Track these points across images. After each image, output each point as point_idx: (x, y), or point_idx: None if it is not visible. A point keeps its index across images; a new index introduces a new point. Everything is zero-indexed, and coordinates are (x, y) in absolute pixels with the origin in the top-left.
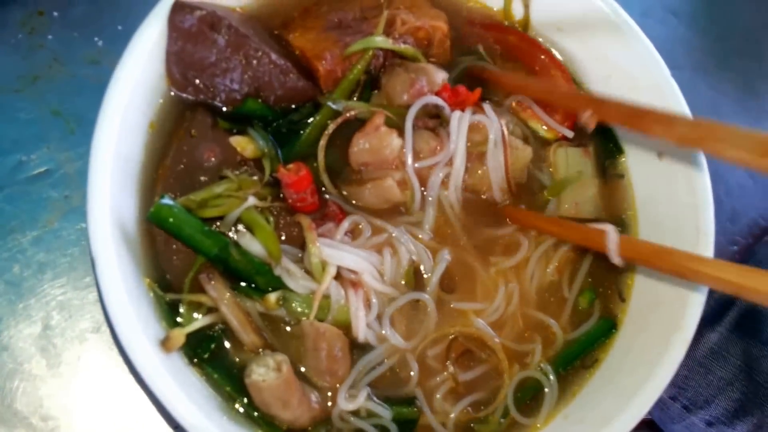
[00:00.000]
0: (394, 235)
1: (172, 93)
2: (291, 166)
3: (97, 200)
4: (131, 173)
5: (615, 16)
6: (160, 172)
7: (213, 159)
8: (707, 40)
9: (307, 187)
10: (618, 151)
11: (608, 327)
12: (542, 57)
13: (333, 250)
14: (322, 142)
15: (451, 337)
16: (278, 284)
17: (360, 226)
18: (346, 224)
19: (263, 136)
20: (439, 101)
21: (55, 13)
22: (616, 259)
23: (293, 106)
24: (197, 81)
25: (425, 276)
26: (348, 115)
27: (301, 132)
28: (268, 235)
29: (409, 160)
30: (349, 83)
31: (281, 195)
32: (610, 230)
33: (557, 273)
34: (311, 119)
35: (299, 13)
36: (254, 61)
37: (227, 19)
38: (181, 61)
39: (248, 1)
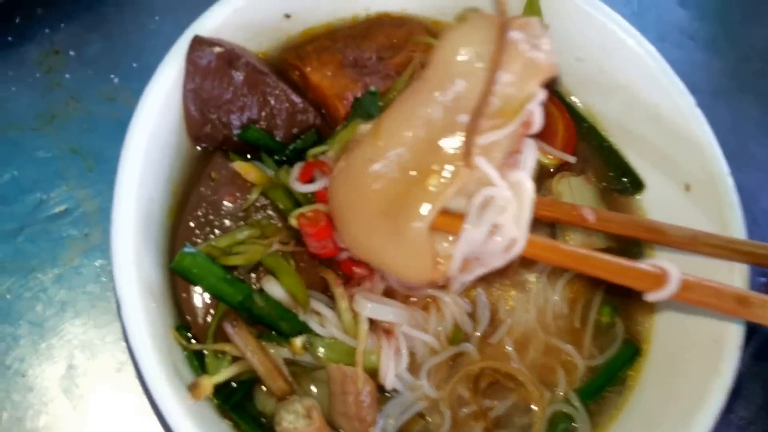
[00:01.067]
0: (438, 295)
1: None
2: (310, 213)
3: (121, 249)
4: (154, 217)
5: (636, 44)
6: (181, 217)
7: (234, 202)
8: (726, 63)
9: (328, 236)
10: (636, 187)
11: (632, 352)
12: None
13: (372, 304)
14: None
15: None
16: (303, 329)
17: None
18: (381, 285)
19: (270, 165)
20: None
21: (72, 52)
22: (656, 297)
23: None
24: (214, 117)
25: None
26: None
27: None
28: (294, 281)
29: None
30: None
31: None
32: (673, 271)
33: (572, 302)
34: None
35: (314, 47)
36: (271, 99)
37: (245, 56)
38: (198, 97)
39: (267, 42)
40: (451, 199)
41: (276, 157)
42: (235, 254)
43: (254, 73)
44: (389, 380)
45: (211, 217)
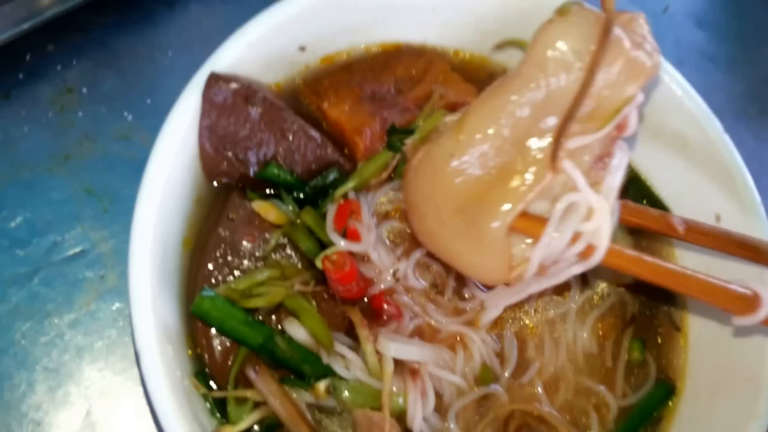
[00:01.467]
0: (466, 333)
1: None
2: (335, 257)
3: (138, 296)
4: (171, 259)
5: (663, 73)
6: (200, 259)
7: (253, 242)
8: (748, 85)
9: (353, 279)
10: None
11: (666, 391)
12: None
13: (396, 344)
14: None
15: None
16: (326, 372)
17: (424, 327)
18: (410, 325)
19: (290, 203)
20: None
21: (84, 89)
22: (745, 322)
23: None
24: (230, 154)
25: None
26: None
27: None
28: (317, 323)
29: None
30: (383, 161)
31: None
32: (766, 295)
33: (602, 339)
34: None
35: (330, 82)
36: (289, 135)
37: (261, 91)
38: (214, 134)
39: (282, 75)
40: (533, 201)
41: (295, 194)
42: (255, 296)
43: (271, 109)
44: (417, 424)
45: (230, 258)
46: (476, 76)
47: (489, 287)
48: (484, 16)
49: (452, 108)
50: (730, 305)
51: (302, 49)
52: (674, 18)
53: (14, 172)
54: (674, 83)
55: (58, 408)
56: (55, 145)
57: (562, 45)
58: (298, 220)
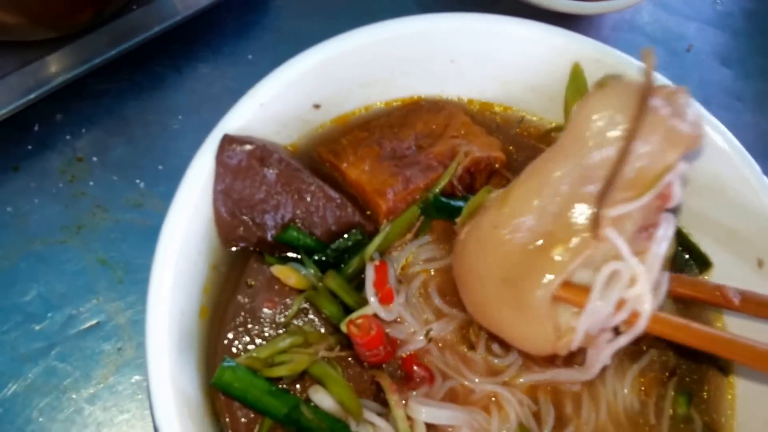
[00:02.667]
0: (501, 393)
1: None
2: (360, 321)
3: (157, 369)
4: (189, 329)
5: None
6: (219, 328)
7: (273, 308)
8: None
9: (380, 344)
10: (703, 266)
11: None
12: None
13: (428, 408)
14: None
15: None
16: None
17: (457, 388)
18: (443, 388)
19: (311, 266)
20: None
21: (95, 158)
22: None
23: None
24: (246, 219)
25: None
26: None
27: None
28: (343, 389)
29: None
30: (408, 222)
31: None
32: None
33: (644, 395)
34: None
35: (348, 141)
36: (307, 196)
37: (277, 152)
38: (229, 198)
39: (297, 134)
40: (577, 270)
41: (316, 257)
42: (278, 365)
43: (287, 170)
44: None
45: (250, 325)
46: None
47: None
48: (503, 65)
49: (478, 164)
50: None
51: (317, 107)
52: (698, 57)
53: (26, 245)
54: (707, 125)
55: None
56: (67, 216)
57: (601, 118)
58: (321, 284)
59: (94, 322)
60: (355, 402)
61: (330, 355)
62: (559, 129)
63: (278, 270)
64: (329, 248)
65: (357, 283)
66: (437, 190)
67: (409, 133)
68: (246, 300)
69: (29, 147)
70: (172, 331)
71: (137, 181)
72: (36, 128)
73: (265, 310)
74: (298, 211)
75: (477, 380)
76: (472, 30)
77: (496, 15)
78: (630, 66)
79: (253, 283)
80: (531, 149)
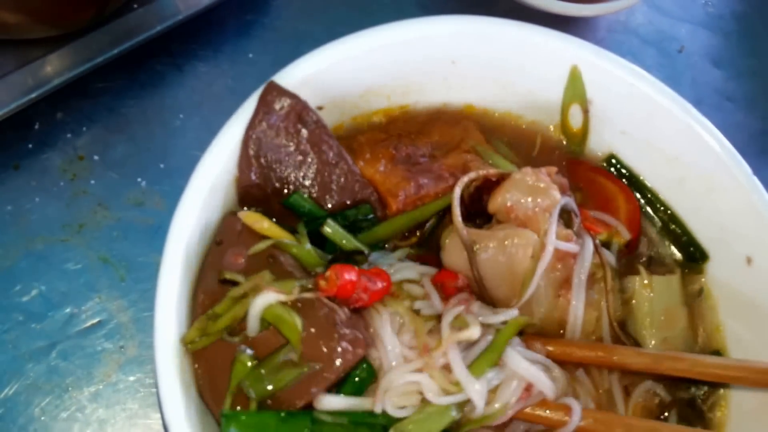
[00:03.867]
0: None
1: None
2: (328, 273)
3: (165, 367)
4: None
5: (683, 113)
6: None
7: (241, 261)
8: None
9: (353, 290)
10: (701, 258)
11: None
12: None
13: None
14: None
15: None
16: (386, 423)
17: None
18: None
19: (304, 238)
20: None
21: (96, 157)
22: None
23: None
24: (268, 164)
25: None
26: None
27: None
28: (293, 332)
29: (552, 236)
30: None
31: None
32: None
33: None
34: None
35: (366, 139)
36: (332, 164)
37: (315, 114)
38: (259, 141)
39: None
40: None
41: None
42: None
43: (321, 133)
44: None
45: (221, 284)
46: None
47: None
48: (503, 68)
49: (487, 182)
50: None
51: (320, 108)
52: (690, 58)
53: (27, 244)
54: (700, 127)
55: None
56: (68, 214)
57: None
58: (297, 234)
59: (95, 320)
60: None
61: (290, 299)
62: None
63: (247, 216)
64: (340, 215)
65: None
66: None
67: (425, 141)
68: (213, 259)
69: (30, 145)
70: (181, 328)
71: (138, 179)
72: (36, 127)
73: (232, 264)
74: (318, 177)
75: None
76: (472, 32)
77: (497, 18)
78: (624, 68)
79: (220, 239)
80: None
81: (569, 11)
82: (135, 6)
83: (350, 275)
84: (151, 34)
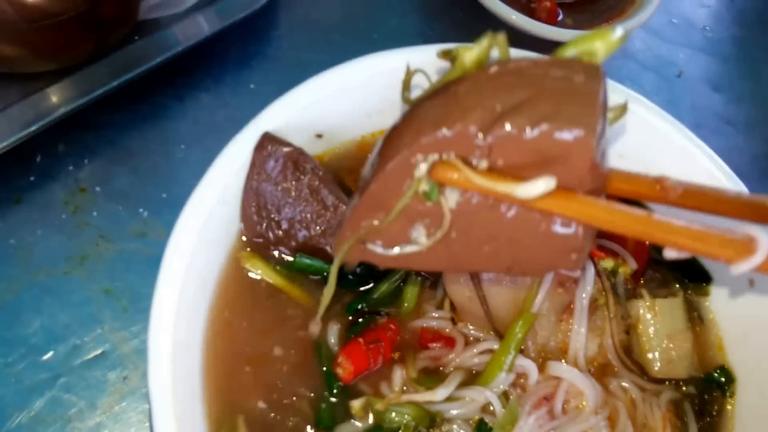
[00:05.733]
0: None
1: (244, 239)
2: (340, 359)
3: (160, 404)
4: (194, 359)
5: (682, 137)
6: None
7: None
8: None
9: (367, 361)
10: (705, 281)
11: None
12: None
13: None
14: None
15: None
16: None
17: None
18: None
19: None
20: None
21: (98, 188)
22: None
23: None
24: (268, 215)
25: None
26: None
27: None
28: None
29: None
30: None
31: None
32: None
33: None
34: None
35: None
36: (331, 210)
37: (312, 161)
38: (259, 196)
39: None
40: None
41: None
42: None
43: (319, 180)
44: None
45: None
46: None
47: None
48: None
49: None
50: (724, 252)
51: (319, 136)
52: (689, 83)
53: (29, 277)
54: (699, 151)
55: None
56: (71, 247)
57: None
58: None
59: (99, 351)
60: None
61: None
62: None
63: (244, 258)
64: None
65: None
66: None
67: None
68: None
69: (31, 178)
70: (175, 360)
71: (141, 210)
72: (38, 159)
73: None
74: (322, 222)
75: None
76: None
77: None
78: (623, 95)
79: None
80: None
81: (569, 38)
82: (135, 38)
83: (359, 353)
84: (152, 66)
